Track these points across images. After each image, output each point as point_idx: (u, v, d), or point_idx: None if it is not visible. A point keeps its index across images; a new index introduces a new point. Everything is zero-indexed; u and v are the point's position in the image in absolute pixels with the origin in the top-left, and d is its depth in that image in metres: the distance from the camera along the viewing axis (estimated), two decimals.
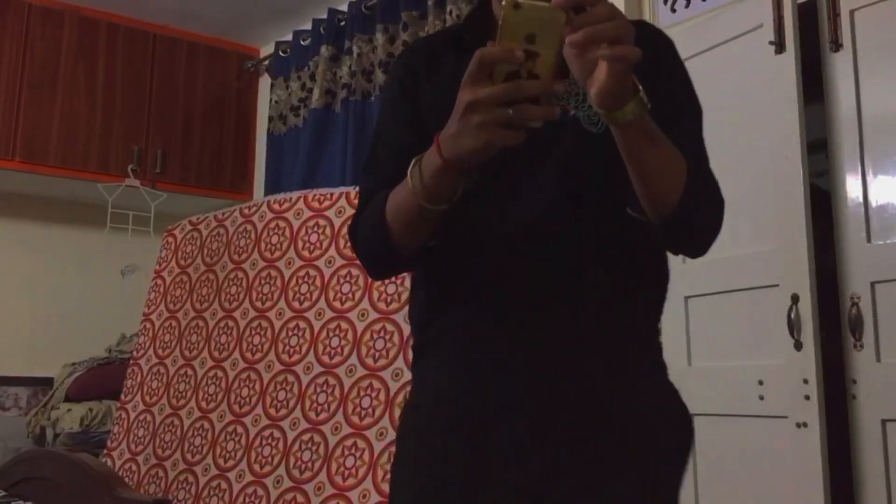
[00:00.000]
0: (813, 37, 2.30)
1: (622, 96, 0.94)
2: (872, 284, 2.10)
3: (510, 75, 0.88)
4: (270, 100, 3.87)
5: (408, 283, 2.63)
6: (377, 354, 2.60)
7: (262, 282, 3.03)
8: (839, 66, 2.24)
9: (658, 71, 1.09)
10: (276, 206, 3.13)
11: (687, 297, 2.17)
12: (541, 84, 0.89)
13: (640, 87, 0.96)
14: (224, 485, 2.76)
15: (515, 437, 1.07)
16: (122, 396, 3.30)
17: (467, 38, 1.16)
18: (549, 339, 1.09)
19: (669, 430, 1.20)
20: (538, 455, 1.06)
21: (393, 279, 2.68)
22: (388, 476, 2.37)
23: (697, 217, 1.08)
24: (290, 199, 3.11)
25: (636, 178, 1.03)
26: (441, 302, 1.18)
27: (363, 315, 2.70)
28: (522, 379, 1.08)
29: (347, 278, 2.79)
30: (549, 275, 1.09)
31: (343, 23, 3.50)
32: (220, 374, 3.01)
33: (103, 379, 3.53)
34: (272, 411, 2.78)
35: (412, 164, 1.02)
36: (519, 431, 1.07)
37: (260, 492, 2.66)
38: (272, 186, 3.70)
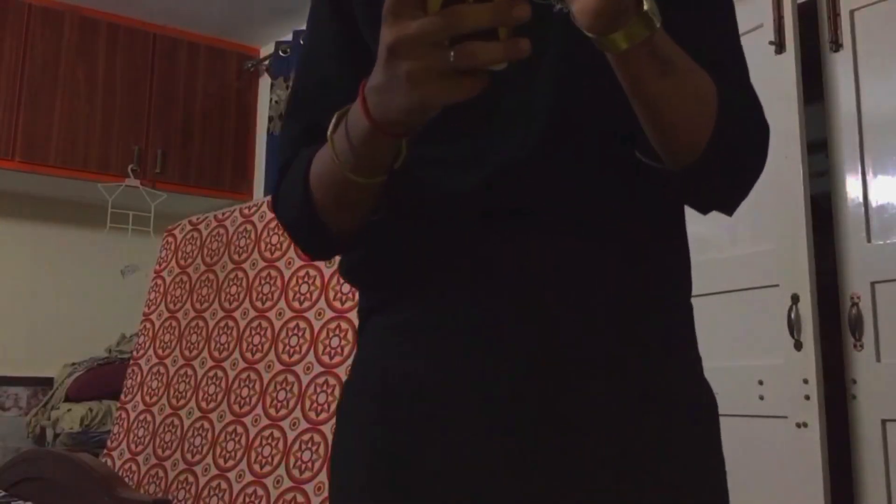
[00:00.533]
0: (813, 37, 2.30)
1: (618, 13, 0.66)
2: (872, 284, 2.10)
3: (448, 0, 0.61)
4: (270, 100, 3.86)
5: None
6: None
7: (262, 282, 3.02)
8: (839, 66, 2.24)
9: None
10: None
11: None
12: (494, 7, 0.61)
13: None
14: (224, 485, 2.76)
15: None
16: (122, 396, 3.30)
17: None
18: (537, 341, 0.79)
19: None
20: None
21: None
22: None
23: (733, 161, 0.80)
24: None
25: (645, 118, 0.76)
26: (396, 271, 0.87)
27: None
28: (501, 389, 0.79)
29: None
30: (537, 240, 0.80)
31: None
32: (220, 374, 3.01)
33: (103, 379, 3.52)
34: (272, 411, 2.78)
35: (333, 122, 0.75)
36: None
37: (260, 492, 2.66)
38: (272, 186, 3.69)
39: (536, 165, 0.80)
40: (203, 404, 3.01)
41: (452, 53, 0.62)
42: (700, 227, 1.11)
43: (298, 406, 2.73)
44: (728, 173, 0.81)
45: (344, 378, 2.66)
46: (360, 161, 0.74)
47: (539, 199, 0.80)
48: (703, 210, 0.88)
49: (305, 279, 2.90)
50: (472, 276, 0.81)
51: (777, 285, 2.05)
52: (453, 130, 0.80)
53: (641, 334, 0.86)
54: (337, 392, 2.68)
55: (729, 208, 0.86)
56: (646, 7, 0.67)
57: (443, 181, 0.82)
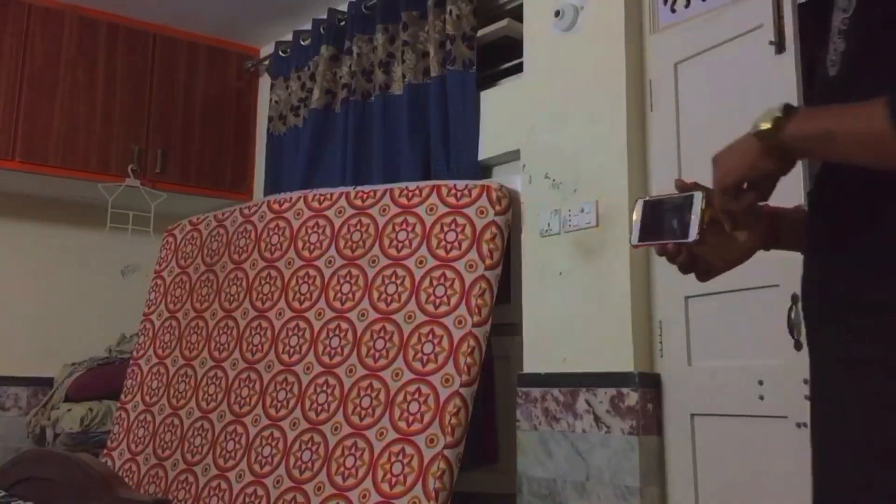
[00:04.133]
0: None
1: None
2: None
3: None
4: (270, 100, 3.86)
5: (407, 283, 2.63)
6: (377, 354, 2.60)
7: (262, 282, 3.03)
8: None
9: None
10: (276, 206, 3.13)
11: (687, 297, 2.17)
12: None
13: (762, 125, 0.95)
14: (224, 485, 2.76)
15: None
16: (122, 396, 3.30)
17: None
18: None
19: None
20: None
21: (392, 279, 2.68)
22: (388, 476, 2.38)
23: None
24: (290, 199, 3.11)
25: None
26: None
27: (363, 315, 2.70)
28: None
29: (347, 278, 2.79)
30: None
31: (343, 23, 3.50)
32: (220, 374, 3.01)
33: (103, 379, 3.53)
34: (272, 411, 2.78)
35: None
36: None
37: (260, 492, 2.66)
38: (272, 186, 3.70)
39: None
40: (203, 404, 3.01)
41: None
42: None
43: (298, 406, 2.73)
44: None
45: (344, 378, 2.66)
46: None
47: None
48: None
49: (305, 279, 2.90)
50: None
51: (777, 285, 2.05)
52: None
53: None
54: (337, 392, 2.68)
55: None
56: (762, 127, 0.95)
57: None
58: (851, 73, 0.96)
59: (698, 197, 1.04)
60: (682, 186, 1.06)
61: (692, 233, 1.03)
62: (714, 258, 1.12)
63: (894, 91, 0.86)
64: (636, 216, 1.09)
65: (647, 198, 1.10)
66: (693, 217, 1.03)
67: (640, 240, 1.09)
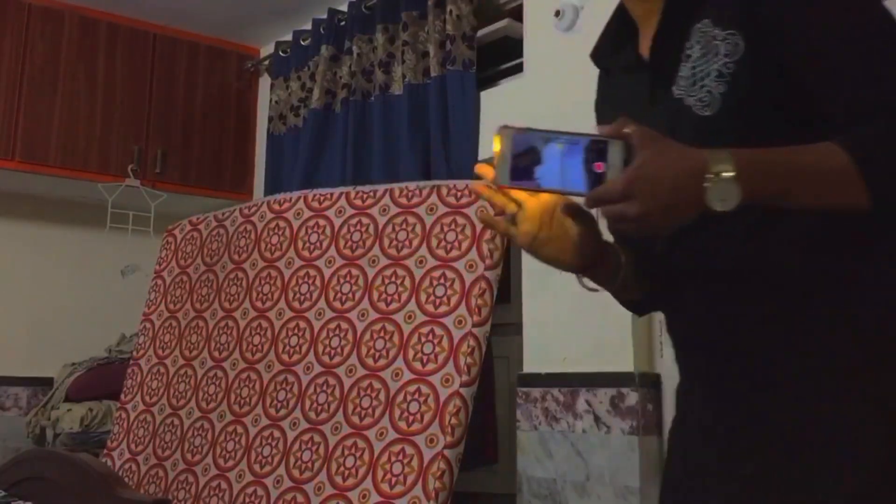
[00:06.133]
0: None
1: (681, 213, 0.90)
2: None
3: None
4: (270, 100, 3.86)
5: (407, 282, 2.63)
6: (377, 354, 2.60)
7: (262, 282, 3.02)
8: None
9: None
10: (276, 206, 3.13)
11: None
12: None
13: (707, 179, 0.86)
14: (224, 485, 2.76)
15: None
16: (122, 396, 3.30)
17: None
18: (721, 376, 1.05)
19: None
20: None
21: (392, 279, 2.68)
22: (388, 476, 2.38)
23: None
24: (290, 199, 3.11)
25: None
26: None
27: (363, 315, 2.70)
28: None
29: (347, 278, 2.79)
30: (695, 289, 1.08)
31: (343, 23, 3.50)
32: (220, 374, 3.01)
33: (103, 379, 3.53)
34: (272, 411, 2.78)
35: None
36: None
37: (260, 492, 2.66)
38: (272, 186, 3.70)
39: (684, 231, 0.98)
40: (203, 404, 3.01)
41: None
42: None
43: (298, 406, 2.73)
44: None
45: (344, 378, 2.66)
46: None
47: (692, 258, 1.07)
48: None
49: (305, 279, 2.90)
50: None
51: None
52: None
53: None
54: (337, 392, 2.68)
55: None
56: (709, 185, 0.85)
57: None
58: (731, 116, 0.98)
59: (617, 146, 0.87)
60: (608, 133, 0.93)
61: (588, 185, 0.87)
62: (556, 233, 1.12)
63: (848, 136, 0.89)
64: (501, 147, 0.89)
65: (518, 129, 0.90)
66: (610, 166, 0.87)
67: (512, 178, 0.90)
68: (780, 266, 0.99)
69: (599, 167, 0.87)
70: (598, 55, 1.29)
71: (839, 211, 0.91)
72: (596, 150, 0.88)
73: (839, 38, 0.95)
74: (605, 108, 1.26)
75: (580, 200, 0.95)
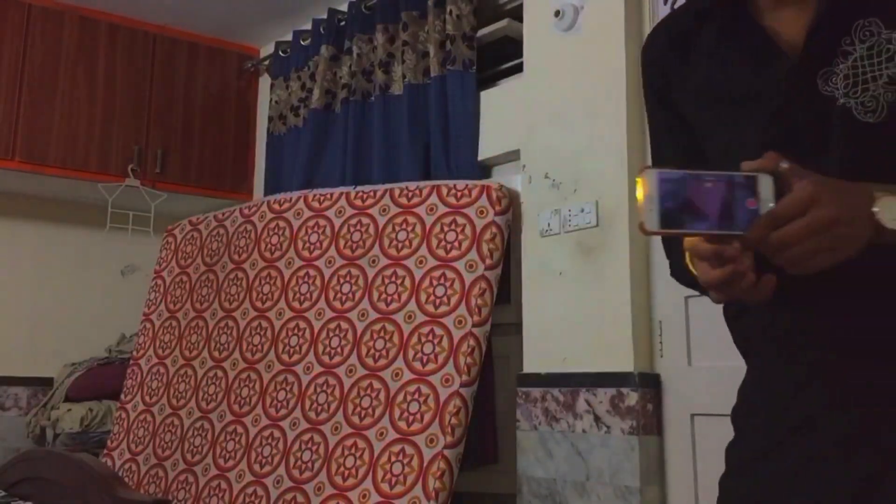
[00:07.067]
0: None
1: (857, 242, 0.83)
2: None
3: None
4: (270, 100, 3.86)
5: (407, 283, 2.63)
6: (377, 354, 2.60)
7: (262, 282, 3.03)
8: None
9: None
10: (276, 206, 3.13)
11: (687, 298, 2.18)
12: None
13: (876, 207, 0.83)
14: (224, 485, 2.76)
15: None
16: (122, 396, 3.30)
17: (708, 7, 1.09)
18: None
19: None
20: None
21: (392, 279, 2.68)
22: (388, 476, 2.38)
23: None
24: (290, 199, 3.11)
25: None
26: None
27: (363, 315, 2.70)
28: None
29: (347, 278, 2.79)
30: (836, 294, 0.95)
31: (343, 23, 3.50)
32: (220, 374, 3.01)
33: (103, 379, 3.53)
34: (272, 411, 2.78)
35: None
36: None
37: (260, 492, 2.66)
38: (272, 186, 3.70)
39: None
40: (203, 404, 3.01)
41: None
42: None
43: (298, 406, 2.73)
44: None
45: (344, 378, 2.66)
46: None
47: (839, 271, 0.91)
48: None
49: (305, 279, 2.90)
50: None
51: None
52: None
53: None
54: (337, 392, 2.68)
55: None
56: (879, 206, 0.83)
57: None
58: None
59: (766, 180, 0.82)
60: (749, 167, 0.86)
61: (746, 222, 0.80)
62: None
63: None
64: (646, 190, 0.82)
65: (662, 170, 0.83)
66: (761, 202, 0.81)
67: (662, 225, 0.83)
68: None
69: (752, 204, 0.82)
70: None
71: None
72: (745, 185, 0.83)
73: None
74: (692, 61, 1.10)
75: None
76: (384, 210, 2.81)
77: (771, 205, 0.81)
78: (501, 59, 3.04)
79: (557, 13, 2.50)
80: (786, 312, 1.02)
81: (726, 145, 1.05)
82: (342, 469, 2.50)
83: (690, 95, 1.10)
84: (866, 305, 0.95)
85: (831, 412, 0.97)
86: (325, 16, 3.58)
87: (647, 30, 2.40)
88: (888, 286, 0.94)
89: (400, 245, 2.71)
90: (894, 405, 0.93)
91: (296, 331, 2.85)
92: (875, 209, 0.84)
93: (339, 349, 2.71)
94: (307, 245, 2.95)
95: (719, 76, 1.06)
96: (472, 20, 2.99)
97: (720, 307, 1.13)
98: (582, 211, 2.37)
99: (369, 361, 2.61)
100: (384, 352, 2.59)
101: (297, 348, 2.82)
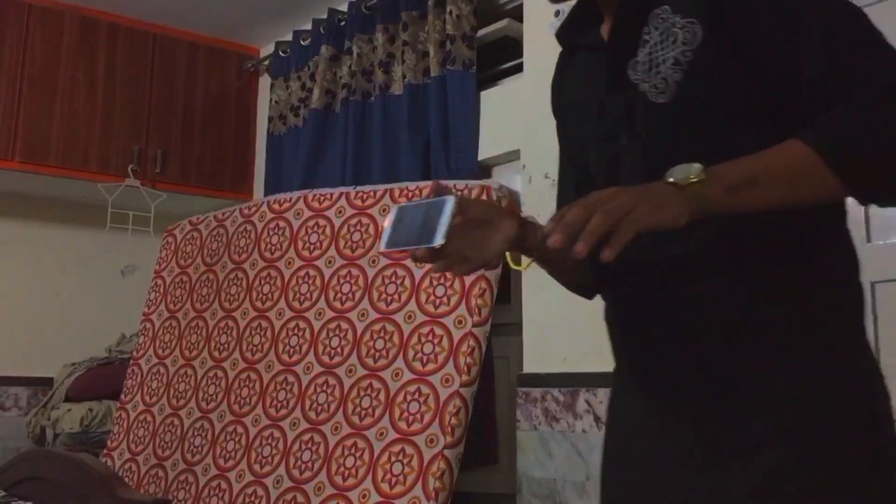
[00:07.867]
0: None
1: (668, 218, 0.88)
2: (872, 284, 2.10)
3: None
4: (270, 100, 3.86)
5: (407, 283, 2.63)
6: (377, 354, 2.60)
7: (262, 282, 3.03)
8: None
9: None
10: (276, 206, 3.13)
11: None
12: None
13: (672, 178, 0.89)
14: (224, 485, 2.76)
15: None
16: (122, 396, 3.30)
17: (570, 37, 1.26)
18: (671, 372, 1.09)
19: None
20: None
21: (392, 279, 2.68)
22: (388, 476, 2.38)
23: (884, 168, 0.90)
24: (290, 199, 3.11)
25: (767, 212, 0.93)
26: None
27: (363, 315, 2.70)
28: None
29: (347, 278, 2.79)
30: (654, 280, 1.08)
31: (343, 23, 3.50)
32: (220, 374, 3.01)
33: (103, 379, 3.53)
34: (272, 411, 2.78)
35: None
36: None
37: (260, 492, 2.66)
38: (272, 186, 3.70)
39: None
40: (203, 404, 3.01)
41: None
42: None
43: (298, 406, 2.73)
44: (881, 178, 0.91)
45: (344, 378, 2.66)
46: None
47: (650, 249, 1.00)
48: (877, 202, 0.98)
49: (305, 279, 2.90)
50: None
51: None
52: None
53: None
54: (337, 392, 2.68)
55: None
56: (672, 179, 0.88)
57: None
58: (687, 104, 1.00)
59: (450, 202, 0.97)
60: (438, 189, 1.01)
61: (437, 238, 0.96)
62: (471, 253, 1.01)
63: (807, 128, 0.90)
64: (387, 222, 1.04)
65: (404, 204, 1.05)
66: (442, 222, 0.97)
67: (387, 246, 1.03)
68: (736, 252, 0.99)
69: (434, 223, 0.98)
70: (563, 34, 1.28)
71: (819, 201, 0.93)
72: (438, 206, 0.98)
73: (807, 23, 0.94)
74: (565, 87, 1.26)
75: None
76: (384, 210, 2.81)
77: (457, 219, 0.96)
78: (501, 59, 3.05)
79: (557, 13, 2.50)
80: (629, 298, 1.16)
81: (582, 149, 1.19)
82: (342, 469, 2.50)
83: (565, 116, 1.25)
84: (697, 290, 1.02)
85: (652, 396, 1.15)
86: (325, 16, 3.58)
87: None
88: (715, 269, 1.01)
89: None
90: (709, 384, 1.03)
91: (296, 331, 2.85)
92: (669, 179, 0.89)
93: (339, 349, 2.71)
94: (307, 245, 2.95)
95: (579, 93, 1.19)
96: (472, 20, 2.99)
97: None
98: None
99: (369, 361, 2.61)
100: (384, 352, 2.59)
101: (297, 348, 2.82)
